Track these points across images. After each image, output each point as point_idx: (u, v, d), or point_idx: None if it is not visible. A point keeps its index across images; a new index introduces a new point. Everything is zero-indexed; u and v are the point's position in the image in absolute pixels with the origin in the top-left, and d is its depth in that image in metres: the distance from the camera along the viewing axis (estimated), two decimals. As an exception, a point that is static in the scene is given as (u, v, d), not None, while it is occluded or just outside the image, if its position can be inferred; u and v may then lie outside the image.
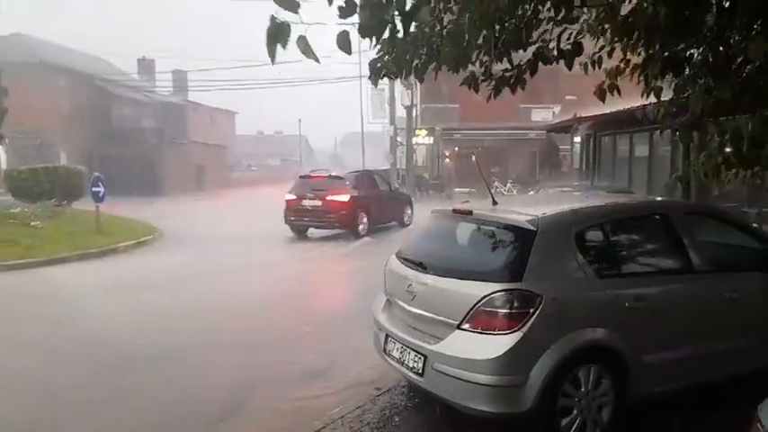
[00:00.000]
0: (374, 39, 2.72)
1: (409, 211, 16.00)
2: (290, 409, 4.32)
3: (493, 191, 4.43)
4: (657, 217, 4.27)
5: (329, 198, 13.48)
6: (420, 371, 3.61)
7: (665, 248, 4.14)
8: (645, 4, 3.41)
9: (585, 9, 3.81)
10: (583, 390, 3.45)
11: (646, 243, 4.24)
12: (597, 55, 4.03)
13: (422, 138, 30.51)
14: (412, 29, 2.91)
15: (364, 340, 4.63)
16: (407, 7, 2.65)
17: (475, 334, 3.39)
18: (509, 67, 3.77)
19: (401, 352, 3.84)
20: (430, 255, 4.07)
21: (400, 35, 2.90)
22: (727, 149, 3.28)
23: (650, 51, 3.72)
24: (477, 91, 3.78)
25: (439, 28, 3.26)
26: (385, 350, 4.06)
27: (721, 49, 3.58)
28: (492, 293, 3.34)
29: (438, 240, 4.32)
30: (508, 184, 26.13)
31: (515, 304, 3.31)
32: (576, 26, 3.79)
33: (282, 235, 14.20)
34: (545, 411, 3.33)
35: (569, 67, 3.66)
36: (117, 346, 5.83)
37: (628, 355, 3.51)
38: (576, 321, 3.46)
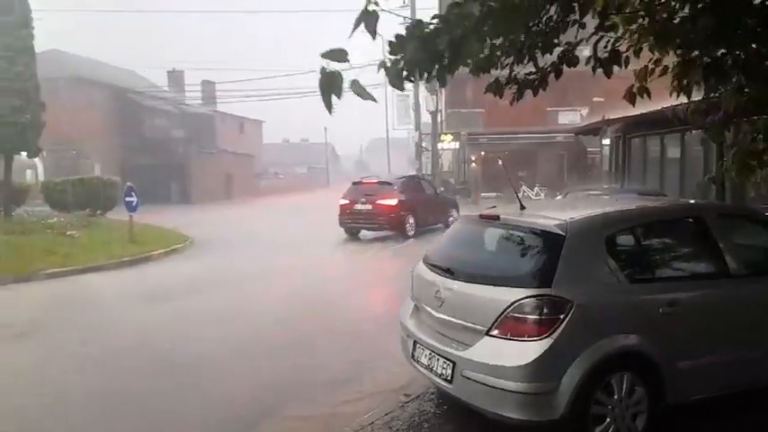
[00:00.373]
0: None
1: (455, 214, 16.23)
2: (319, 415, 4.34)
3: (520, 195, 4.39)
4: (691, 220, 4.17)
5: (379, 202, 14.51)
6: (449, 377, 3.60)
7: (699, 252, 4.04)
8: (684, 11, 3.34)
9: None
10: (616, 397, 3.38)
11: (679, 247, 4.14)
12: (624, 55, 3.97)
13: (447, 143, 30.44)
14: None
15: (395, 345, 4.63)
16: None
17: (504, 340, 3.36)
18: (533, 71, 3.74)
19: (429, 358, 3.82)
20: (457, 260, 4.05)
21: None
22: (761, 147, 3.19)
23: (689, 56, 3.63)
24: (501, 96, 3.76)
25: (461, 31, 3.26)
26: (413, 356, 4.05)
27: (754, 46, 3.49)
28: (521, 299, 3.30)
29: (465, 246, 4.30)
30: (535, 188, 25.81)
31: (545, 310, 3.27)
32: (613, 34, 3.70)
33: (319, 239, 14.61)
34: (577, 419, 3.27)
35: (608, 75, 3.61)
36: (149, 353, 5.97)
37: (662, 362, 3.43)
38: (607, 327, 3.40)
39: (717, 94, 3.82)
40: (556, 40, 3.48)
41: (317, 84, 2.22)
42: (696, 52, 3.56)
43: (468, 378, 3.44)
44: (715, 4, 3.11)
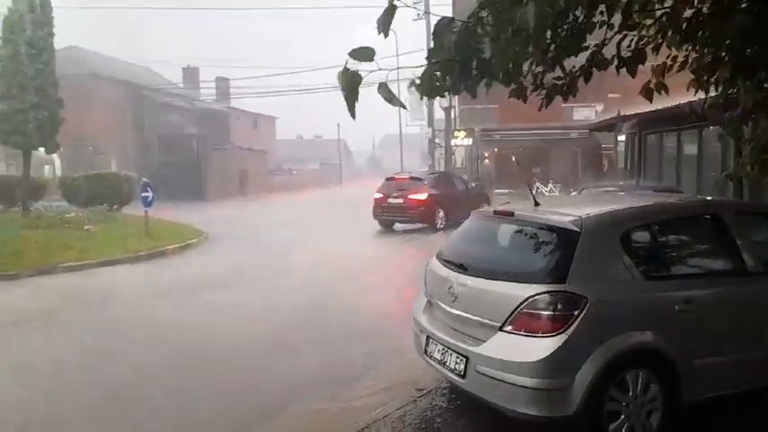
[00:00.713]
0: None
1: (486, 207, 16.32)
2: (332, 409, 4.38)
3: (534, 192, 4.38)
4: (708, 217, 4.13)
5: (410, 196, 15.44)
6: (462, 372, 3.61)
7: (716, 249, 4.01)
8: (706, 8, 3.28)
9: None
10: (631, 394, 3.37)
11: (696, 244, 4.11)
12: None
13: (460, 139, 30.30)
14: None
15: (408, 340, 4.65)
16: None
17: (518, 336, 3.36)
18: (560, 75, 3.66)
19: (442, 353, 3.84)
20: (471, 256, 4.06)
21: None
22: None
23: (716, 53, 3.56)
24: (525, 101, 3.69)
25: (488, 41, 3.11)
26: (426, 351, 4.07)
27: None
28: (535, 295, 3.30)
29: (479, 242, 4.30)
30: (549, 185, 25.61)
31: (559, 306, 3.27)
32: (636, 32, 3.64)
33: (337, 234, 14.82)
34: (591, 416, 3.27)
35: (632, 74, 3.55)
36: (164, 345, 6.06)
37: (677, 360, 3.41)
38: (622, 324, 3.39)
39: (735, 90, 3.77)
40: (585, 44, 3.40)
41: (339, 82, 2.16)
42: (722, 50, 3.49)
43: (482, 373, 3.45)
44: (752, 3, 3.06)
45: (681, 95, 4.18)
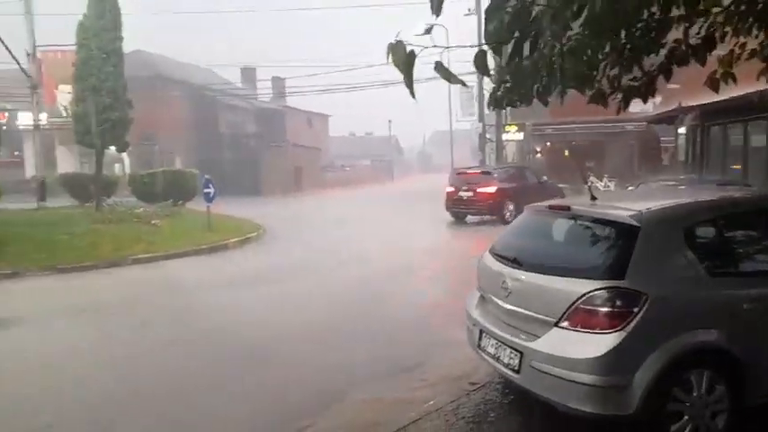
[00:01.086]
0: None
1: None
2: (387, 399, 4.48)
3: (588, 186, 4.30)
4: (779, 212, 3.94)
5: (479, 190, 16.11)
6: (516, 368, 3.61)
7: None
8: None
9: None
10: (695, 394, 3.27)
11: (765, 240, 3.92)
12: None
13: (512, 134, 29.75)
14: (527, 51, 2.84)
15: (461, 333, 4.68)
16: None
17: (574, 332, 3.33)
18: (637, 76, 3.54)
19: (496, 348, 3.84)
20: (525, 251, 4.03)
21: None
22: None
23: None
24: (605, 107, 3.60)
25: (558, 47, 3.03)
26: (479, 345, 4.09)
27: None
28: (592, 291, 3.26)
29: (533, 236, 4.27)
30: (604, 179, 24.70)
31: (618, 303, 3.21)
32: (704, 19, 3.47)
33: (394, 228, 15.09)
34: (652, 415, 3.19)
35: (702, 63, 3.41)
36: (227, 335, 6.35)
37: (744, 360, 3.28)
38: (685, 322, 3.30)
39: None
40: (663, 41, 3.27)
41: (390, 56, 2.12)
42: None
43: (537, 369, 3.44)
44: None
45: (748, 85, 3.98)
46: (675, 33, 3.45)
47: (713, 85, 3.77)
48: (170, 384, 5.01)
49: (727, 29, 3.53)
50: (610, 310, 3.22)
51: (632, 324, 3.17)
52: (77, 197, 20.39)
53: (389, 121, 57.82)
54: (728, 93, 5.00)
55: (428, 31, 2.21)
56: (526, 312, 3.65)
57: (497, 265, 4.06)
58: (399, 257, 11.20)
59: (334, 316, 7.09)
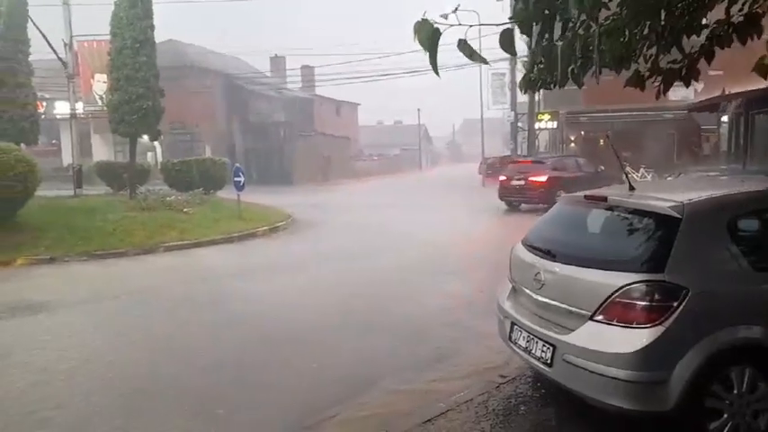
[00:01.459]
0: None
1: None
2: (415, 390, 4.46)
3: (626, 176, 4.14)
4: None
5: (531, 178, 16.61)
6: (548, 361, 3.54)
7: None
8: None
9: None
10: (735, 392, 3.15)
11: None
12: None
13: (545, 122, 29.22)
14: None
15: (489, 325, 4.62)
16: None
17: (610, 326, 3.23)
18: (677, 59, 3.38)
19: (528, 341, 3.78)
20: (559, 242, 3.94)
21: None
22: None
23: None
24: (642, 90, 3.46)
25: (594, 27, 2.93)
26: (510, 338, 4.02)
27: None
28: (630, 284, 3.16)
29: (567, 227, 4.16)
30: (641, 170, 24.05)
31: (656, 296, 3.11)
32: None
33: (425, 218, 14.64)
34: (690, 412, 3.10)
35: (743, 42, 3.23)
36: (257, 322, 6.41)
37: (789, 358, 3.15)
38: (727, 317, 3.17)
39: None
40: (705, 21, 3.13)
41: (416, 34, 2.11)
42: None
43: (570, 363, 3.36)
44: None
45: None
46: (718, 13, 3.27)
47: (761, 71, 3.57)
48: (199, 366, 5.08)
49: None
50: (648, 304, 3.12)
51: (671, 319, 3.07)
52: (112, 185, 20.88)
53: (418, 110, 57.42)
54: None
55: (453, 11, 2.15)
56: (559, 305, 3.57)
57: (530, 257, 3.98)
58: (429, 246, 11.14)
59: (366, 304, 7.10)
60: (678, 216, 3.26)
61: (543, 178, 16.39)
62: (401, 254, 10.52)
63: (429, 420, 3.83)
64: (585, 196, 4.01)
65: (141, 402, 4.39)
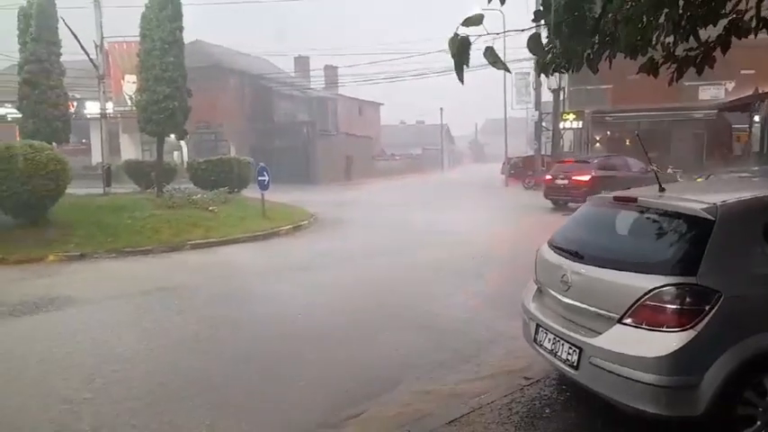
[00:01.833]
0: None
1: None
2: (438, 391, 4.44)
3: (657, 176, 4.06)
4: None
5: (574, 177, 17.02)
6: (575, 364, 3.49)
7: None
8: None
9: None
10: (769, 399, 3.08)
11: None
12: None
13: (570, 122, 28.83)
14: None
15: (513, 327, 4.58)
16: None
17: (639, 329, 3.18)
18: (693, 47, 3.32)
19: (553, 343, 3.74)
20: (586, 244, 3.88)
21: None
22: None
23: None
24: (656, 76, 3.41)
25: (612, 14, 2.91)
26: (535, 340, 3.98)
27: None
28: (660, 287, 3.10)
29: (595, 229, 4.10)
30: (669, 170, 23.63)
31: (688, 300, 3.04)
32: None
33: (446, 220, 14.63)
34: (721, 418, 3.03)
35: (754, 35, 3.17)
36: (280, 319, 6.47)
37: (827, 366, 3.05)
38: (761, 322, 3.09)
39: None
40: (723, 11, 3.06)
41: (449, 49, 2.19)
42: None
43: (597, 366, 3.31)
44: None
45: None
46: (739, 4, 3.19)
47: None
48: (215, 370, 5.15)
49: None
50: (679, 307, 3.06)
51: (703, 323, 3.00)
52: (139, 183, 21.29)
53: (441, 109, 57.01)
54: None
55: (480, 20, 2.19)
56: (587, 307, 3.52)
57: (557, 258, 3.93)
58: (454, 245, 11.09)
59: (391, 303, 7.10)
60: (711, 218, 3.19)
61: (586, 177, 16.64)
62: (422, 252, 10.50)
63: (452, 421, 3.81)
64: (615, 197, 3.95)
65: (165, 394, 4.46)
